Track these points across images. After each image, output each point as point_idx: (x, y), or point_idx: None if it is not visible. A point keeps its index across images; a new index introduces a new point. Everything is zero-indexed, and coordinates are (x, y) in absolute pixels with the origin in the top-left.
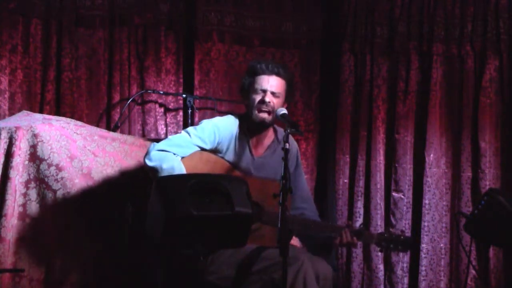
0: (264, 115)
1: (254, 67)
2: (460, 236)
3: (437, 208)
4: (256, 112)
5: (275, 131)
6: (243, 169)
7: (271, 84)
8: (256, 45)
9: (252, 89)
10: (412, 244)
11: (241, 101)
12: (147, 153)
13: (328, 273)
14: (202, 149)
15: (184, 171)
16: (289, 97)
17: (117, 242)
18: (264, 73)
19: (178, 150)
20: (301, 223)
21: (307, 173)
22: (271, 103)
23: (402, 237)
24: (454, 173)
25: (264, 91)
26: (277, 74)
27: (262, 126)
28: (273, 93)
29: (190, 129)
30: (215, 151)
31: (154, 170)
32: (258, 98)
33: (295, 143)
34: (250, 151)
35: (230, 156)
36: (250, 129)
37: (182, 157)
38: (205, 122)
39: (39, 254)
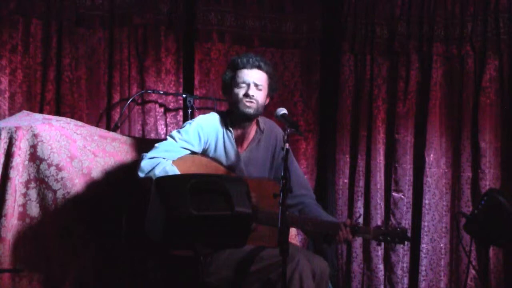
0: (250, 108)
1: (234, 61)
2: (460, 236)
3: (437, 208)
4: (242, 105)
5: (257, 122)
6: (234, 167)
7: (254, 77)
8: (256, 45)
9: (234, 84)
10: (407, 236)
11: (224, 98)
12: (138, 166)
13: (324, 269)
14: (192, 152)
15: (177, 172)
16: (271, 90)
17: (117, 242)
18: (245, 67)
19: (167, 154)
20: (299, 221)
21: (307, 173)
22: (255, 96)
23: (398, 229)
24: (454, 173)
25: (248, 84)
26: (258, 67)
27: (248, 119)
28: (256, 85)
29: (174, 133)
30: (205, 151)
31: (147, 179)
32: (242, 91)
33: (279, 130)
34: (236, 147)
35: (219, 153)
36: (234, 124)
37: (174, 161)
38: (188, 124)
39: (39, 254)
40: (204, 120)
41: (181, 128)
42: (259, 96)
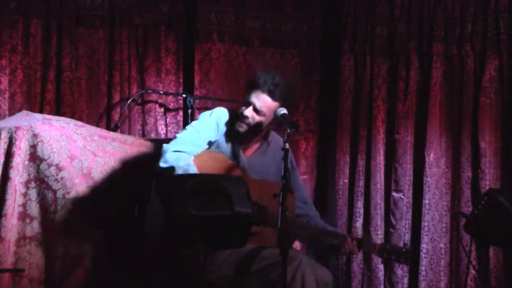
0: (241, 127)
1: (257, 79)
2: (460, 236)
3: (437, 208)
4: (236, 123)
5: (265, 135)
6: (242, 167)
7: (258, 101)
8: (256, 45)
9: (244, 98)
10: (410, 257)
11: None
12: (160, 156)
13: (329, 280)
14: (209, 142)
15: (195, 171)
16: (278, 118)
17: (117, 242)
18: (259, 88)
19: (192, 148)
20: (304, 228)
21: (307, 173)
22: (249, 119)
23: (404, 250)
24: (454, 173)
25: (249, 105)
26: (270, 94)
27: (239, 133)
28: (256, 110)
29: (194, 124)
30: (217, 140)
31: (170, 169)
32: (241, 109)
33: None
34: (239, 151)
35: (224, 149)
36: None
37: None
38: (208, 114)
39: (39, 254)
40: (222, 112)
41: (200, 117)
42: (256, 119)
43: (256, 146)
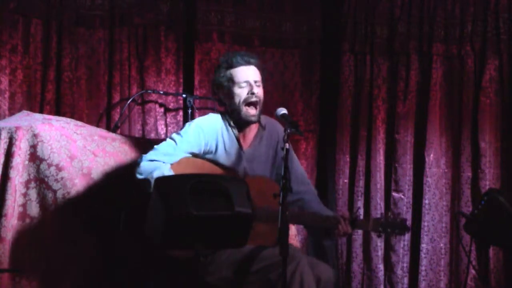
0: (252, 111)
1: (229, 60)
2: (460, 236)
3: (437, 208)
4: (246, 107)
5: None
6: (235, 166)
7: (253, 74)
8: (256, 45)
9: (233, 84)
10: (407, 226)
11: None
12: (136, 166)
13: (331, 276)
14: (192, 154)
15: None
16: (263, 83)
17: (117, 242)
18: (242, 64)
19: (167, 158)
20: (297, 217)
21: (307, 173)
22: (258, 93)
23: (398, 220)
24: (454, 173)
25: (249, 83)
26: (254, 64)
27: (251, 122)
28: (255, 82)
29: (174, 135)
30: (206, 152)
31: (145, 181)
32: (245, 91)
33: (280, 126)
34: (240, 145)
35: (221, 154)
36: (236, 124)
37: (171, 164)
38: (188, 126)
39: (39, 254)
40: (204, 121)
41: (181, 129)
42: (261, 93)
43: (253, 132)
